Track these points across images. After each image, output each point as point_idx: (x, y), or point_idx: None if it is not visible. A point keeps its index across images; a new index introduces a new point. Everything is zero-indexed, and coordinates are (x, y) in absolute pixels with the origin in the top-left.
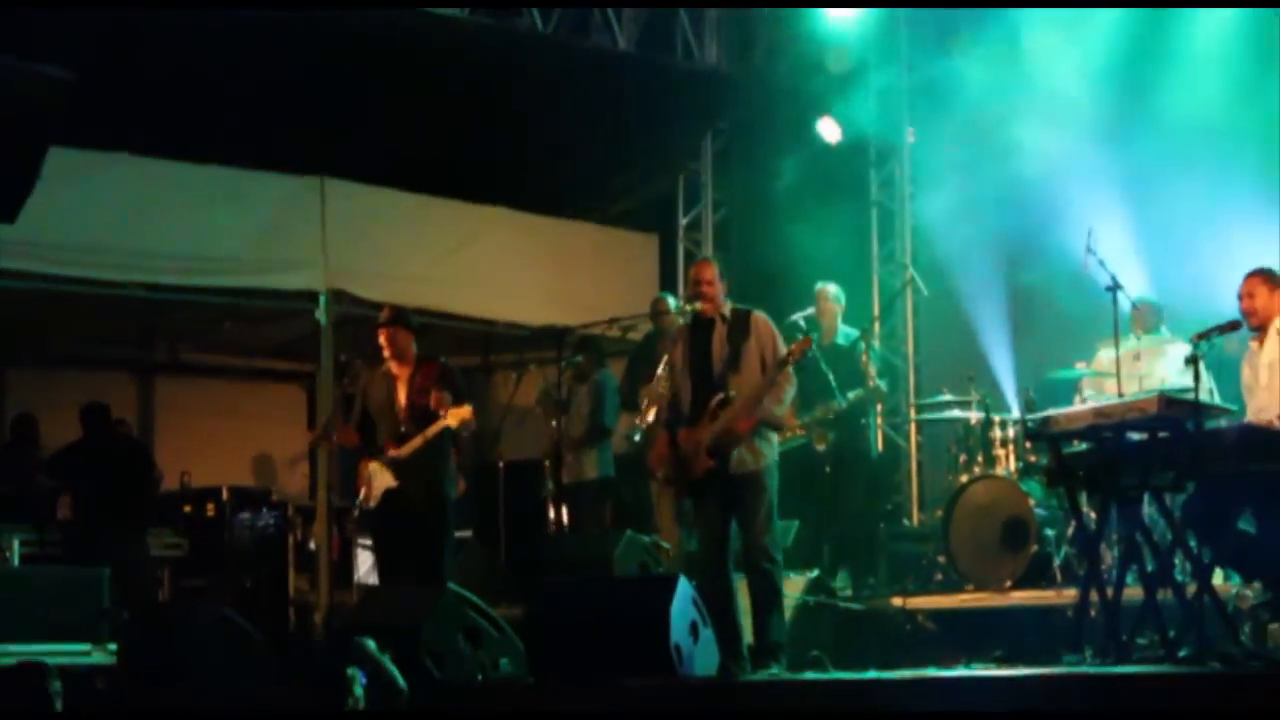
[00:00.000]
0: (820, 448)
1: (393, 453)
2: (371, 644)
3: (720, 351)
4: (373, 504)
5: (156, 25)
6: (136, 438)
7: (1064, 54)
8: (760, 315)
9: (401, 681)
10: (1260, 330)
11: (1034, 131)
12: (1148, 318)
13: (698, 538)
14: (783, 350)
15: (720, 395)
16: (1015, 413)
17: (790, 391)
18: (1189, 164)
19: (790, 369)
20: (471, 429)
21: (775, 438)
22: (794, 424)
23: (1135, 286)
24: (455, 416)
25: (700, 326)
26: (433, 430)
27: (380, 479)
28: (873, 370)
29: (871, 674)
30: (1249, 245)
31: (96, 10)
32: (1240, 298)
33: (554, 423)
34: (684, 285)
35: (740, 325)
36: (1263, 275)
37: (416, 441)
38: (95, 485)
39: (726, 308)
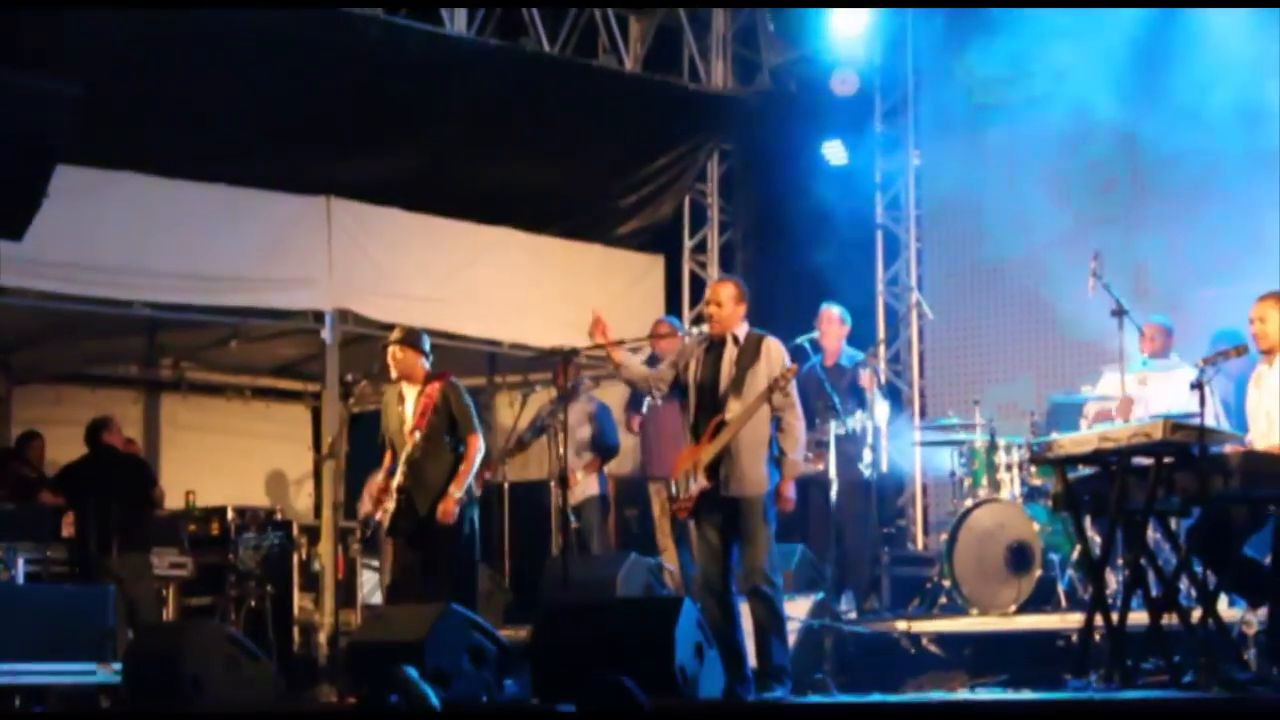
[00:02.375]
0: (817, 468)
1: (397, 478)
2: (413, 672)
3: (728, 373)
4: (385, 523)
5: (164, 43)
6: (140, 456)
7: (1070, 74)
8: (773, 341)
9: (436, 702)
10: (1270, 354)
11: (1041, 153)
12: (1156, 341)
13: (699, 559)
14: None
15: (719, 417)
16: (1020, 437)
17: (802, 428)
18: (1201, 185)
19: (797, 405)
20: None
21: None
22: None
23: (1145, 309)
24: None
25: (713, 346)
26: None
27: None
28: (876, 393)
29: (876, 698)
30: (1262, 268)
31: (104, 28)
32: (1250, 321)
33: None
34: (690, 307)
35: (751, 349)
36: (1274, 299)
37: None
38: (98, 503)
39: (742, 330)
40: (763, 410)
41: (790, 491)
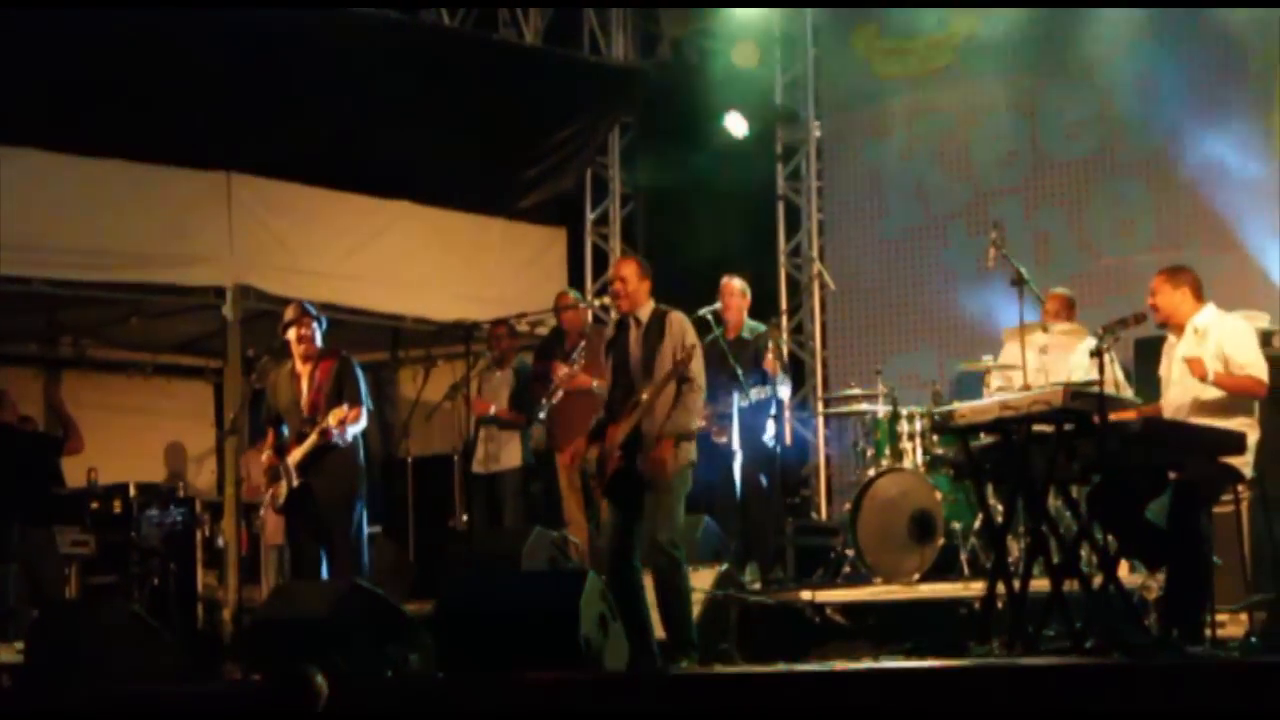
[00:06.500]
0: (721, 440)
1: (290, 457)
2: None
3: (636, 353)
4: (281, 501)
5: (62, 20)
6: (37, 430)
7: (971, 46)
8: (677, 316)
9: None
10: (1176, 325)
11: (942, 125)
12: (1058, 310)
13: (605, 532)
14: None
15: (635, 398)
16: (923, 406)
17: (699, 400)
18: (1102, 155)
19: (698, 379)
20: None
21: (691, 442)
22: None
23: (1047, 280)
24: (334, 417)
25: (622, 325)
26: (314, 434)
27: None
28: (778, 365)
29: (780, 667)
30: (1162, 237)
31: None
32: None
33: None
34: (592, 280)
35: (656, 327)
36: (1166, 274)
37: (306, 446)
38: None
39: (646, 309)
40: (671, 387)
41: (663, 453)
